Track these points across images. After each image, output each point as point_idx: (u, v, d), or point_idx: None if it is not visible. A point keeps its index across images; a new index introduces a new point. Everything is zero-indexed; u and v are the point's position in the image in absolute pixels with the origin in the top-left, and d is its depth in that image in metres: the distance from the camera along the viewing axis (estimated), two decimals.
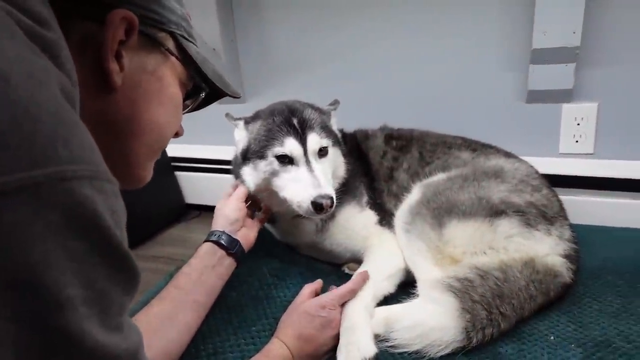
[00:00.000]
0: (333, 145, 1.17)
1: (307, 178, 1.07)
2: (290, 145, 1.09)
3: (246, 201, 1.14)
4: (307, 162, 1.09)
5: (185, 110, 0.77)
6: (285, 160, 1.10)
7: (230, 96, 0.79)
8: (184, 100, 0.74)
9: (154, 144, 0.66)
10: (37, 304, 0.36)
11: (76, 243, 0.38)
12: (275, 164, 1.10)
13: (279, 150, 1.09)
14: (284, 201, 1.11)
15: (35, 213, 0.35)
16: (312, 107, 1.22)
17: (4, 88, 0.35)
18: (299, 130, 1.11)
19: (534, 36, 1.43)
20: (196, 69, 0.70)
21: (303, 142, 1.10)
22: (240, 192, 1.14)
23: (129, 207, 0.45)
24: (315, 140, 1.11)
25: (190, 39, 0.69)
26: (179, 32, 0.66)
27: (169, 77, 0.66)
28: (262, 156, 1.12)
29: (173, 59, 0.66)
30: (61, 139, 0.37)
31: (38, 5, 0.45)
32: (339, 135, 1.27)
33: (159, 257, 1.74)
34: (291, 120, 1.13)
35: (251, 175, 1.15)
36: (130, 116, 0.61)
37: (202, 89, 0.75)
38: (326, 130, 1.16)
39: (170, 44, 0.65)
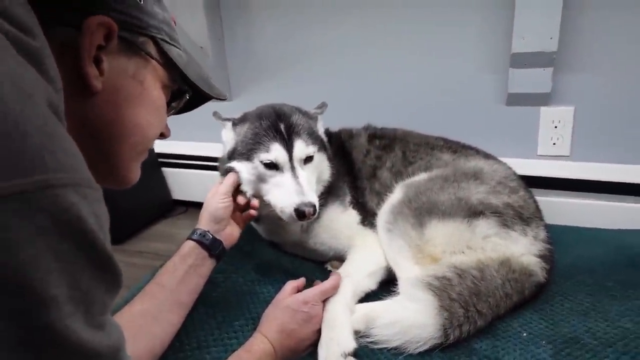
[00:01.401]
0: (319, 150, 1.18)
1: (291, 185, 1.08)
2: (275, 151, 1.10)
3: (235, 193, 1.12)
4: (292, 168, 1.10)
5: (172, 112, 0.78)
6: (271, 165, 1.11)
7: (216, 99, 0.81)
8: (170, 102, 0.75)
9: (138, 146, 0.67)
10: (25, 303, 0.37)
11: (63, 245, 0.40)
12: (261, 167, 1.11)
13: (264, 156, 1.10)
14: (269, 204, 1.12)
15: (24, 217, 0.37)
16: (300, 111, 1.22)
17: None
18: (285, 136, 1.12)
19: (513, 41, 1.47)
20: (178, 72, 0.71)
21: (289, 148, 1.11)
22: (229, 181, 1.10)
23: (116, 202, 0.47)
24: (301, 147, 1.12)
25: (172, 42, 0.70)
26: (159, 36, 0.67)
27: (150, 81, 0.67)
28: (248, 158, 1.13)
29: (154, 62, 0.67)
30: (48, 150, 0.39)
31: (23, 14, 0.46)
32: (325, 139, 1.28)
33: (146, 252, 1.75)
34: (278, 125, 1.13)
35: (241, 170, 1.14)
36: (113, 119, 0.62)
37: (186, 91, 0.76)
38: (312, 136, 1.17)
39: (152, 47, 0.67)
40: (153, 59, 0.67)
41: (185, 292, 0.97)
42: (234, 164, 1.15)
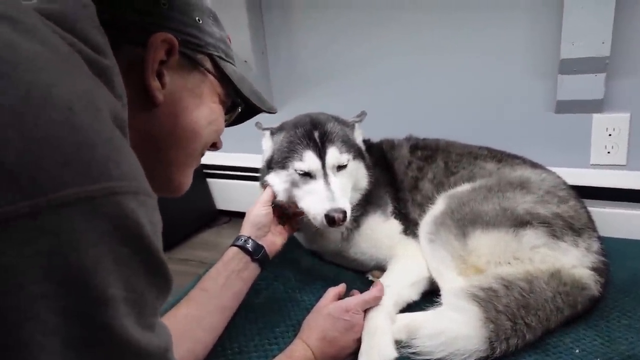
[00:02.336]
0: (354, 158, 1.19)
1: (323, 191, 1.10)
2: (309, 159, 1.12)
3: (275, 208, 1.15)
4: (325, 175, 1.12)
5: (225, 124, 0.82)
6: (305, 173, 1.13)
7: (266, 112, 0.83)
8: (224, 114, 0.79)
9: (194, 152, 0.72)
10: (85, 301, 0.39)
11: (122, 249, 0.42)
12: (295, 175, 1.14)
13: (299, 165, 1.13)
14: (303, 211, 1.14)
15: (90, 221, 0.39)
16: (336, 119, 1.24)
17: (69, 117, 0.41)
18: (319, 144, 1.14)
19: (562, 46, 1.42)
20: (233, 87, 0.75)
21: (322, 156, 1.13)
22: (267, 194, 1.15)
23: (162, 211, 0.49)
24: (334, 154, 1.14)
25: (227, 59, 0.75)
26: (216, 53, 0.71)
27: (207, 94, 0.71)
28: (283, 167, 1.16)
29: (211, 77, 0.71)
30: (112, 160, 0.42)
31: (97, 35, 0.52)
32: (363, 147, 1.29)
33: (190, 260, 1.79)
34: (312, 133, 1.15)
35: (274, 181, 1.18)
36: (173, 128, 0.67)
37: (239, 105, 0.80)
38: (347, 143, 1.18)
39: (209, 64, 0.71)
40: (210, 74, 0.71)
41: (228, 297, 0.99)
42: (270, 177, 1.19)
